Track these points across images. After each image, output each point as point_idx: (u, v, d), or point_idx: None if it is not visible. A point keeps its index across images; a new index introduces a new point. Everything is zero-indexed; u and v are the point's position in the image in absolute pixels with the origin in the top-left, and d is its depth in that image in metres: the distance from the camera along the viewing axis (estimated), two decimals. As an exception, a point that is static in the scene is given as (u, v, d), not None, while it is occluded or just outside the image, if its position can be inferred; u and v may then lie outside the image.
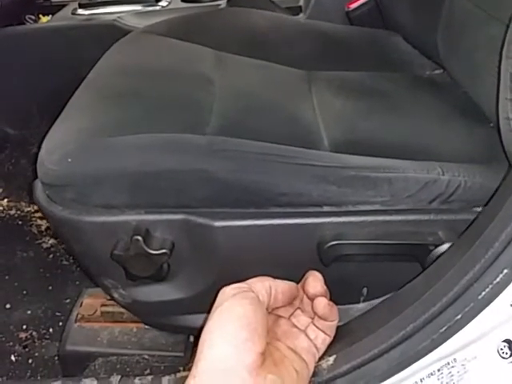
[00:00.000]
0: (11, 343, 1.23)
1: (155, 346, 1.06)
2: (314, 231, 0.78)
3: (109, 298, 1.06)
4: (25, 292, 1.36)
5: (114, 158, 0.78)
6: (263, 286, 0.63)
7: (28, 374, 1.17)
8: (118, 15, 1.63)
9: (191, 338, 1.06)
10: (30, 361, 1.20)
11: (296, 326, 0.67)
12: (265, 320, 0.59)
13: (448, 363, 0.61)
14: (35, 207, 1.54)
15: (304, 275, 0.74)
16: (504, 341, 0.60)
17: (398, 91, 1.02)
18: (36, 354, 1.21)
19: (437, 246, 0.76)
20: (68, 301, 1.31)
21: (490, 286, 0.58)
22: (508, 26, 0.70)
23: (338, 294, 0.87)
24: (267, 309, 0.62)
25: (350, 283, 0.85)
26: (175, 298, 0.88)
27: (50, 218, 0.83)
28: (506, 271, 0.57)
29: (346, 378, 0.64)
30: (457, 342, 0.60)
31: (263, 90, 0.99)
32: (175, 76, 0.98)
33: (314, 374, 0.65)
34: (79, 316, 1.11)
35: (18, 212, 1.59)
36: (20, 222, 1.57)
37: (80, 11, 1.69)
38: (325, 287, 0.67)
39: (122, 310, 1.06)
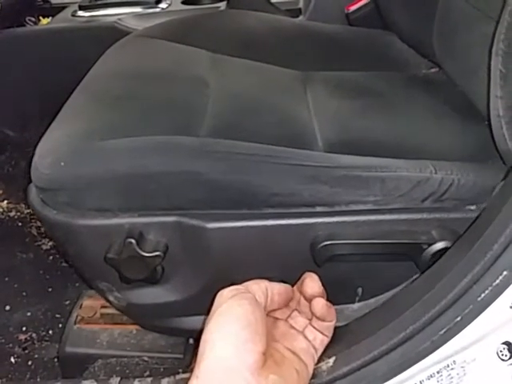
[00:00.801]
0: (11, 345, 1.23)
1: (155, 347, 1.06)
2: (306, 231, 0.78)
3: (106, 300, 1.07)
4: (24, 294, 1.36)
5: (106, 161, 0.78)
6: (259, 287, 0.64)
7: (27, 376, 1.17)
8: (118, 17, 1.63)
9: (191, 340, 1.06)
10: (29, 363, 1.20)
11: (294, 328, 0.68)
12: (264, 320, 0.59)
13: (447, 365, 0.61)
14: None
15: (298, 276, 0.74)
16: (503, 343, 0.60)
17: (394, 90, 1.02)
18: (35, 356, 1.21)
19: (430, 244, 0.76)
20: (68, 302, 1.31)
21: (490, 288, 0.58)
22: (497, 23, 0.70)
23: (332, 294, 0.87)
24: (264, 310, 0.62)
25: (344, 283, 0.85)
26: (170, 301, 0.88)
27: (44, 221, 0.84)
28: (505, 273, 0.57)
29: (345, 379, 0.64)
30: (456, 344, 0.60)
31: (258, 91, 0.99)
32: (170, 79, 0.98)
33: (314, 376, 0.65)
34: (79, 318, 1.11)
35: (18, 214, 1.59)
36: (20, 224, 1.57)
37: (80, 13, 1.69)
38: (322, 288, 0.67)
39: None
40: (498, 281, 0.58)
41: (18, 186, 1.59)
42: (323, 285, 0.84)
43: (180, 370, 1.05)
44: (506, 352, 0.59)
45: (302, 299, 0.68)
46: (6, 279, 1.39)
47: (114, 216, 0.80)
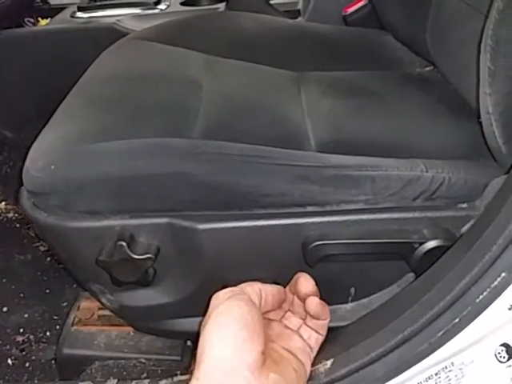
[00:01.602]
0: (8, 347, 1.23)
1: (152, 349, 1.06)
2: (298, 232, 0.78)
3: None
4: (22, 295, 1.36)
5: (96, 163, 0.78)
6: (253, 289, 0.65)
7: (25, 378, 1.17)
8: (117, 18, 1.63)
9: (188, 342, 1.06)
10: (26, 364, 1.20)
11: (288, 328, 0.68)
12: (261, 320, 0.60)
13: (446, 367, 0.60)
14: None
15: (290, 276, 0.74)
16: (501, 345, 0.59)
17: (388, 89, 1.02)
18: (33, 358, 1.21)
19: (422, 243, 0.75)
20: (65, 304, 1.32)
21: (488, 290, 0.57)
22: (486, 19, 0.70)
23: (325, 294, 0.87)
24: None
25: (336, 283, 0.85)
26: (162, 303, 0.88)
27: (35, 224, 0.84)
28: (503, 275, 0.57)
29: (343, 381, 0.64)
30: (454, 345, 0.60)
31: (252, 92, 0.99)
32: (163, 81, 0.98)
33: (312, 378, 0.65)
34: (76, 319, 1.11)
35: (16, 215, 1.59)
36: (17, 225, 1.57)
37: (79, 14, 1.69)
38: (315, 287, 0.67)
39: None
40: (496, 282, 0.57)
41: (15, 187, 1.58)
42: (316, 285, 0.84)
43: (178, 372, 1.05)
44: (504, 354, 0.59)
45: (296, 299, 0.69)
46: (4, 280, 1.40)
47: (105, 218, 0.79)
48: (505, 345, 0.59)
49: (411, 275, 0.83)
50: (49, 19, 1.75)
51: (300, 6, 1.64)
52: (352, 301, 0.88)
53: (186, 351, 1.06)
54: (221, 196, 0.78)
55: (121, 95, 0.93)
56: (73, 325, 1.10)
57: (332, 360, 0.65)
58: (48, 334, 1.26)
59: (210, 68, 1.06)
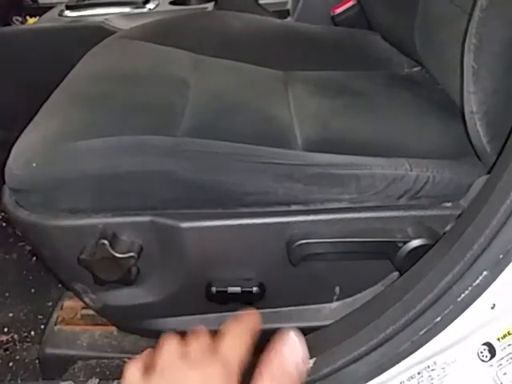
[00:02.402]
0: (-8, 346, 1.22)
1: (135, 349, 1.04)
2: (282, 230, 0.78)
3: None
4: (7, 294, 1.35)
5: (78, 161, 0.78)
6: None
7: (8, 378, 1.16)
8: (106, 17, 1.62)
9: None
10: (10, 364, 1.19)
11: None
12: None
13: (428, 366, 0.60)
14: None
15: (274, 275, 0.74)
16: (484, 344, 0.59)
17: (375, 89, 1.02)
18: (17, 357, 1.20)
19: (406, 242, 0.76)
20: (50, 304, 1.30)
21: (470, 289, 0.57)
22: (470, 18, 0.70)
23: (309, 293, 0.87)
24: None
25: (321, 282, 0.85)
26: (146, 302, 0.88)
27: (17, 223, 0.83)
28: (485, 273, 0.57)
29: (325, 380, 0.63)
30: (437, 344, 0.59)
31: (239, 91, 0.98)
32: (149, 80, 0.98)
33: (293, 377, 0.64)
34: (59, 319, 1.10)
35: (2, 214, 1.58)
36: (4, 224, 1.56)
37: (67, 13, 1.68)
38: None
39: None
40: (478, 281, 0.57)
41: (2, 185, 1.57)
42: (300, 284, 0.84)
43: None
44: (486, 353, 0.59)
45: None
46: (-11, 279, 1.38)
47: (87, 217, 0.79)
48: (487, 344, 0.59)
49: (396, 274, 0.83)
50: (37, 18, 1.74)
51: (289, 6, 1.63)
52: (337, 300, 0.87)
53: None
54: (203, 194, 0.77)
55: (106, 94, 0.92)
56: (56, 324, 1.09)
57: (314, 359, 0.65)
58: (32, 333, 1.25)
59: (197, 67, 1.05)
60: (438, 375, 0.60)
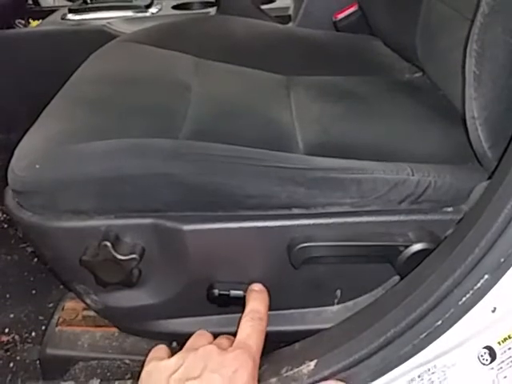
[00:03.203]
0: (-7, 347, 1.22)
1: (136, 350, 1.05)
2: (283, 234, 0.78)
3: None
4: (8, 295, 1.35)
5: (80, 163, 0.78)
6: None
7: (8, 378, 1.16)
8: (108, 21, 1.63)
9: (174, 343, 1.06)
10: (11, 364, 1.19)
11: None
12: None
13: (429, 369, 0.61)
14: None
15: (275, 278, 0.75)
16: (484, 347, 0.59)
17: (377, 94, 1.02)
18: (17, 358, 1.20)
19: (407, 246, 0.76)
20: (51, 305, 1.30)
21: (471, 292, 0.58)
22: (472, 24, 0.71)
23: (310, 296, 0.88)
24: None
25: (322, 286, 0.85)
26: (147, 304, 0.88)
27: (19, 224, 0.83)
28: (486, 277, 0.57)
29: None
30: (437, 348, 0.60)
31: (241, 95, 0.99)
32: (151, 83, 0.98)
33: (295, 379, 0.65)
34: (60, 320, 1.10)
35: (4, 215, 1.58)
36: (5, 226, 1.56)
37: (70, 16, 1.69)
38: None
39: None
40: (479, 284, 0.57)
41: (3, 188, 1.57)
42: (301, 287, 0.84)
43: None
44: (486, 356, 0.59)
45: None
46: (-10, 281, 1.38)
47: (89, 218, 0.79)
48: (487, 347, 0.59)
49: (397, 278, 0.83)
50: (40, 21, 1.75)
51: (291, 12, 1.64)
52: (338, 303, 0.88)
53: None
54: (206, 197, 0.77)
55: (108, 96, 0.93)
56: (57, 325, 1.09)
57: (315, 361, 0.65)
58: (33, 334, 1.25)
59: (199, 71, 1.06)
60: (439, 378, 0.60)
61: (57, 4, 1.89)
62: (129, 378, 1.04)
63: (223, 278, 0.82)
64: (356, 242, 0.77)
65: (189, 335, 0.73)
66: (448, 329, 0.59)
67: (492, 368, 0.59)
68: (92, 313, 1.08)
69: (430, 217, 0.77)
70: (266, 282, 0.80)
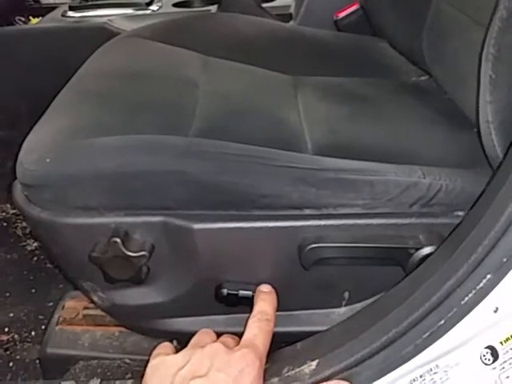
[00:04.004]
0: (-8, 346, 1.22)
1: (137, 350, 1.04)
2: (294, 234, 0.78)
3: (90, 300, 1.05)
4: (8, 294, 1.35)
5: (92, 158, 0.77)
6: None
7: (8, 377, 1.16)
8: (109, 18, 1.63)
9: (175, 343, 1.05)
10: (10, 364, 1.18)
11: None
12: None
13: (431, 369, 0.60)
14: (20, 209, 1.53)
15: (284, 278, 0.74)
16: (487, 347, 0.59)
17: (383, 96, 1.02)
18: (17, 357, 1.20)
19: (417, 249, 0.75)
20: (51, 304, 1.30)
21: (473, 292, 0.57)
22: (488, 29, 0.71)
23: (318, 298, 0.87)
24: None
25: (330, 287, 0.85)
26: (155, 302, 0.87)
27: (28, 219, 0.83)
28: (489, 276, 0.57)
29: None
30: (439, 347, 0.59)
31: (248, 94, 0.99)
32: (159, 79, 0.98)
33: (296, 379, 0.65)
34: (61, 319, 1.10)
35: (3, 214, 1.58)
36: (5, 224, 1.56)
37: (70, 13, 1.68)
38: None
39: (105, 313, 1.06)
40: (481, 284, 0.57)
41: (3, 185, 1.56)
42: (309, 288, 0.84)
43: (162, 373, 1.04)
44: (489, 356, 0.59)
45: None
46: (-11, 279, 1.38)
47: (99, 215, 0.79)
48: (490, 347, 0.59)
49: (405, 281, 0.83)
50: (40, 18, 1.75)
51: (292, 10, 1.64)
52: (345, 305, 0.87)
53: (171, 352, 1.05)
54: (218, 196, 0.77)
55: (117, 91, 0.93)
56: (57, 324, 1.09)
57: (317, 361, 0.65)
58: (33, 333, 1.25)
59: (206, 68, 1.06)
60: (441, 378, 0.60)
61: (57, 1, 1.88)
62: (129, 378, 1.04)
63: (232, 277, 0.82)
64: (367, 244, 0.77)
65: (192, 334, 0.72)
66: (450, 328, 0.59)
67: (494, 368, 0.59)
68: (92, 312, 1.08)
69: (441, 220, 0.77)
70: (275, 283, 0.80)
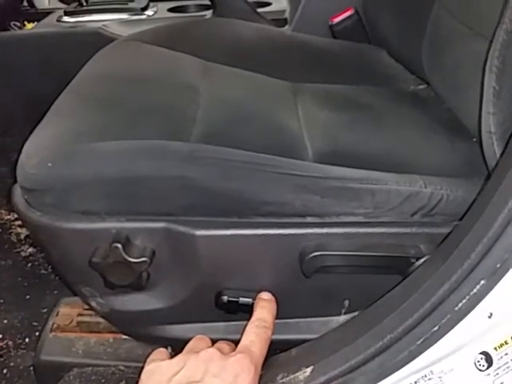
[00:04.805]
0: (-14, 353, 1.21)
1: (131, 356, 1.04)
2: (296, 242, 0.78)
3: (85, 307, 1.05)
4: (2, 301, 1.34)
5: (93, 163, 0.77)
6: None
7: (2, 384, 1.15)
8: (104, 23, 1.63)
9: (169, 349, 1.05)
10: (4, 371, 1.17)
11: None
12: None
13: (425, 375, 0.60)
14: (15, 215, 1.52)
15: (285, 285, 0.74)
16: (481, 353, 0.59)
17: (382, 105, 1.02)
18: (11, 364, 1.19)
19: (418, 258, 0.76)
20: (45, 310, 1.29)
21: (467, 297, 0.58)
22: (492, 41, 0.71)
23: (318, 305, 0.87)
24: None
25: (331, 295, 0.85)
26: (154, 308, 0.87)
27: (27, 223, 0.82)
28: (482, 282, 0.57)
29: (322, 389, 0.63)
30: (434, 353, 0.60)
31: (248, 100, 0.98)
32: (160, 84, 0.97)
33: (291, 385, 0.64)
34: (55, 326, 1.09)
35: (-3, 220, 1.58)
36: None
37: (65, 19, 1.69)
38: None
39: (99, 320, 1.05)
40: (475, 290, 0.57)
41: (-1, 190, 1.57)
42: (310, 296, 0.83)
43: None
44: (483, 362, 0.59)
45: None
46: (-17, 286, 1.37)
47: (100, 220, 0.78)
48: (484, 353, 0.59)
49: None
50: (35, 23, 1.75)
51: (287, 15, 1.64)
52: (345, 313, 0.87)
53: (165, 359, 1.05)
54: (221, 202, 0.77)
55: (117, 96, 0.92)
56: (51, 331, 1.08)
57: (312, 367, 0.65)
58: (27, 340, 1.24)
59: (206, 73, 1.06)
60: (435, 384, 0.60)
61: (52, 6, 1.88)
62: (123, 385, 1.03)
63: (233, 284, 0.82)
64: (368, 253, 0.77)
65: (188, 341, 0.72)
66: (444, 334, 0.59)
67: (488, 374, 0.59)
68: (86, 318, 1.07)
69: (442, 230, 0.77)
70: (276, 290, 0.80)
